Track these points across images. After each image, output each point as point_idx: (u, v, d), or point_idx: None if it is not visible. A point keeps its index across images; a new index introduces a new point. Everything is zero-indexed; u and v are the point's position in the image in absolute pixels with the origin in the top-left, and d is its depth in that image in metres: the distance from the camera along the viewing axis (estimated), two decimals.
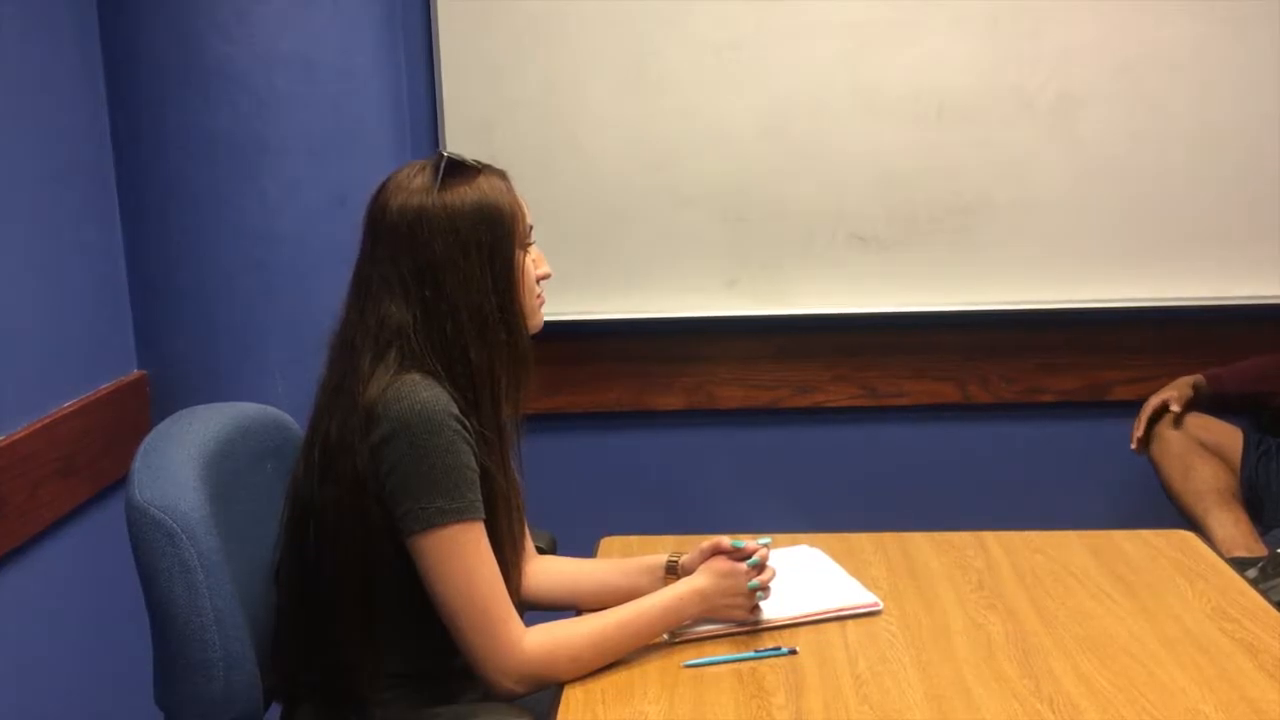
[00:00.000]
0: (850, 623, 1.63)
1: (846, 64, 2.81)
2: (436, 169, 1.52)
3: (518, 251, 1.55)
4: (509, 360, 1.54)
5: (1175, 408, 2.67)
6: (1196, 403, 2.71)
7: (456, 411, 1.47)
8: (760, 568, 1.60)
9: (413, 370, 1.48)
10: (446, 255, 1.49)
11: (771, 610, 1.62)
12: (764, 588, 1.60)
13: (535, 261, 1.60)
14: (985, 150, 2.83)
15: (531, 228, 1.59)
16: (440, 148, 2.80)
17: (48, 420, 2.15)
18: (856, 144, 2.83)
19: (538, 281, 1.61)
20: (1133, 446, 2.69)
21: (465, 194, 1.51)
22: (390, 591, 1.51)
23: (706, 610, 1.59)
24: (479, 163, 1.56)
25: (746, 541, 1.62)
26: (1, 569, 2.01)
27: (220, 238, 2.42)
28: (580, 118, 2.84)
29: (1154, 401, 2.69)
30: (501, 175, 1.57)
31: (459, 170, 1.53)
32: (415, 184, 1.52)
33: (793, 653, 1.54)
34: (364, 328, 1.51)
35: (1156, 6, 2.76)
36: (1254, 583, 1.85)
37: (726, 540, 1.62)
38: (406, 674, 1.56)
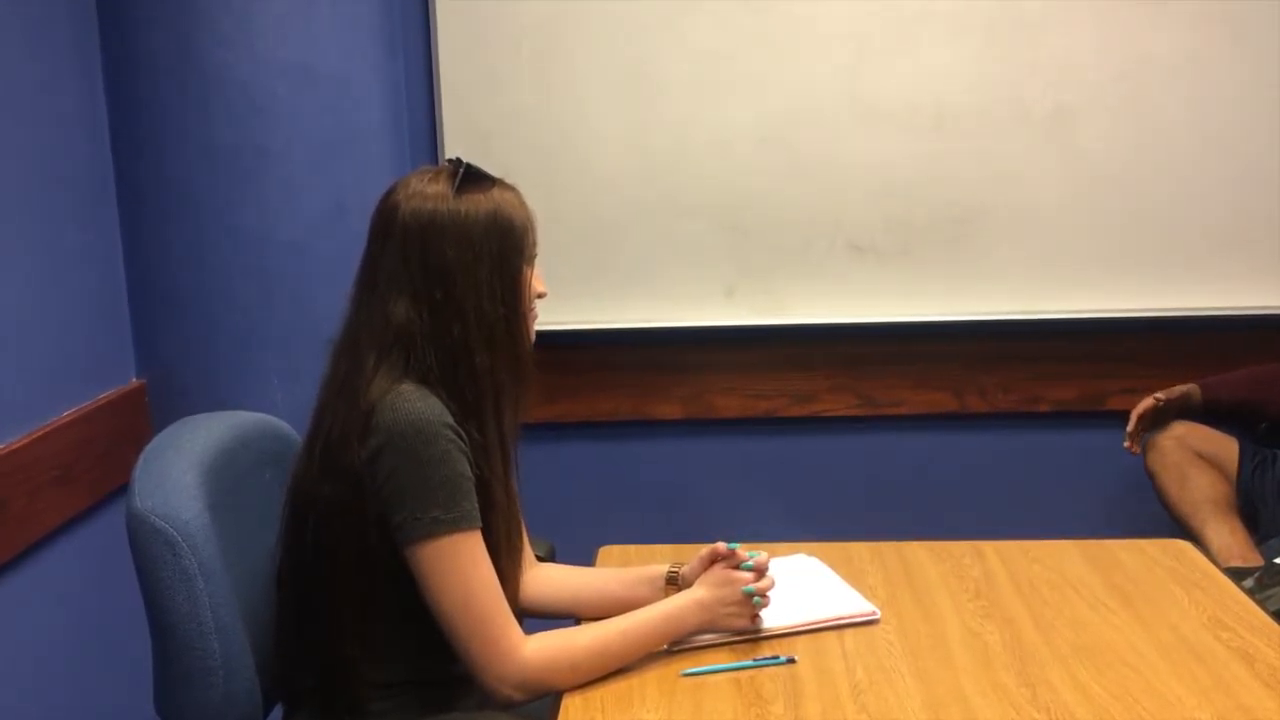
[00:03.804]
0: (848, 631, 1.64)
1: (845, 74, 2.81)
2: (453, 175, 1.53)
3: (525, 265, 1.56)
4: (513, 370, 1.55)
5: (1161, 395, 2.67)
6: (1190, 411, 2.71)
7: (451, 420, 1.47)
8: (759, 575, 1.60)
9: (413, 376, 1.49)
10: (458, 261, 1.50)
11: (770, 619, 1.63)
12: (762, 595, 1.61)
13: (535, 279, 1.61)
14: (983, 160, 2.84)
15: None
16: (439, 156, 2.81)
17: (47, 429, 2.15)
18: (854, 154, 2.84)
19: (535, 298, 1.61)
20: (1125, 444, 2.69)
21: (480, 203, 1.52)
22: (387, 599, 1.51)
23: (708, 620, 1.59)
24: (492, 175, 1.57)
25: (739, 548, 1.62)
26: (0, 577, 2.01)
27: (219, 245, 2.42)
28: (578, 127, 2.84)
29: (1146, 402, 2.70)
30: (514, 190, 1.58)
31: (475, 179, 1.54)
32: (430, 189, 1.52)
33: (791, 661, 1.54)
34: (370, 326, 1.51)
35: (1154, 16, 2.77)
36: (1250, 592, 1.86)
37: (723, 544, 1.63)
38: (405, 681, 1.56)
